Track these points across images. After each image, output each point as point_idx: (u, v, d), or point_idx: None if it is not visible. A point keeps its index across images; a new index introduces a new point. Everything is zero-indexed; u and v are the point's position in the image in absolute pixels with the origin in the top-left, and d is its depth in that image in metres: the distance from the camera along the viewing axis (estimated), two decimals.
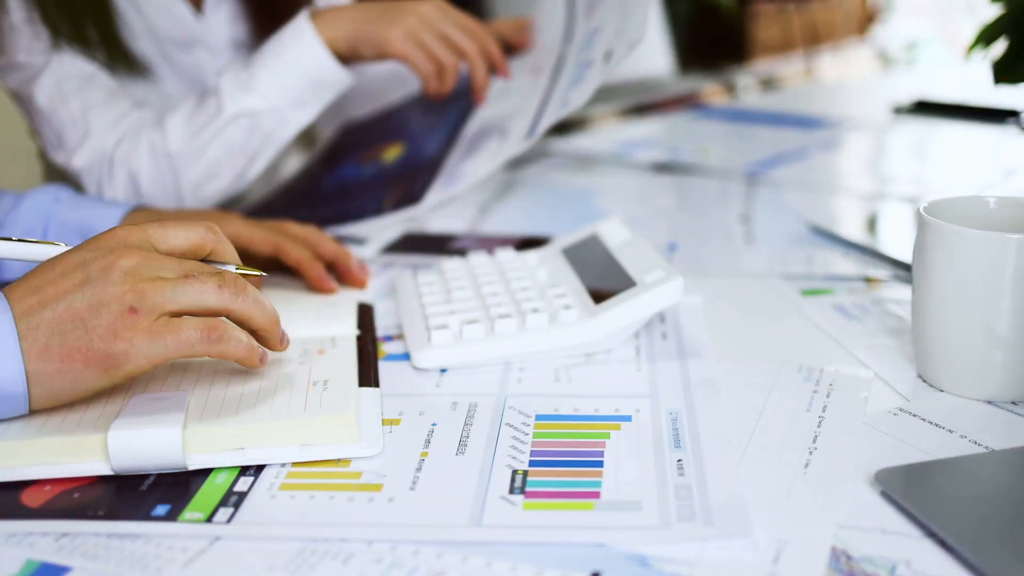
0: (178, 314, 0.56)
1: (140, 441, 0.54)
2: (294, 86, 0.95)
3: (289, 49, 0.95)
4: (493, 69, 1.02)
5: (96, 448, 0.55)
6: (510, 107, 1.04)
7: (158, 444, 0.54)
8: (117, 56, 1.01)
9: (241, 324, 0.58)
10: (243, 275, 0.60)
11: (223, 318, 0.58)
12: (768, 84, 1.94)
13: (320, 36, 0.94)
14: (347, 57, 0.96)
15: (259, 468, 0.56)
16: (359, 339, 0.71)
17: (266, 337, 0.60)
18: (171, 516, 0.52)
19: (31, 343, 0.54)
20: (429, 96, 1.00)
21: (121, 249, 0.56)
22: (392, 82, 1.21)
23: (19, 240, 0.60)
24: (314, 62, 0.95)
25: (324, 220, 1.00)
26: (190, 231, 0.59)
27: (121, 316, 0.54)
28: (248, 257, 0.80)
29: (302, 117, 0.98)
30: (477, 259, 0.83)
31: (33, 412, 0.57)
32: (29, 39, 0.97)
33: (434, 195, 1.01)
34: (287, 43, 0.95)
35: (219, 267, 0.60)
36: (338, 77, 0.97)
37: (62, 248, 0.59)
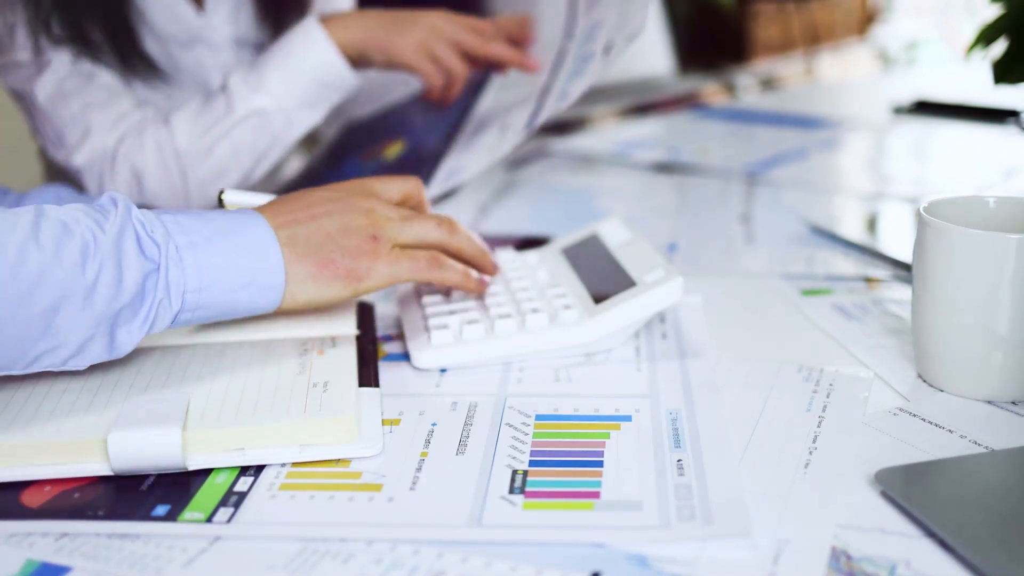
0: (407, 247, 0.67)
1: (140, 443, 0.54)
2: (303, 87, 0.97)
3: (300, 51, 0.97)
4: (499, 67, 1.05)
5: (96, 449, 0.55)
6: (509, 101, 1.05)
7: (158, 445, 0.54)
8: (133, 59, 1.01)
9: (456, 256, 0.71)
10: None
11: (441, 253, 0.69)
12: (768, 84, 1.94)
13: (332, 39, 0.96)
14: (355, 62, 0.99)
15: (259, 468, 0.56)
16: (359, 339, 0.71)
17: (480, 265, 0.72)
18: (171, 516, 0.52)
19: (290, 250, 0.63)
20: (432, 100, 1.04)
21: (357, 193, 0.68)
22: (394, 82, 1.21)
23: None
24: (325, 64, 0.97)
25: None
26: (403, 184, 0.71)
27: (366, 240, 0.65)
28: None
29: (309, 118, 0.99)
30: None
31: (279, 313, 0.64)
32: (29, 37, 0.97)
33: (435, 187, 1.01)
34: (297, 44, 0.97)
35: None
36: (346, 79, 0.99)
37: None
